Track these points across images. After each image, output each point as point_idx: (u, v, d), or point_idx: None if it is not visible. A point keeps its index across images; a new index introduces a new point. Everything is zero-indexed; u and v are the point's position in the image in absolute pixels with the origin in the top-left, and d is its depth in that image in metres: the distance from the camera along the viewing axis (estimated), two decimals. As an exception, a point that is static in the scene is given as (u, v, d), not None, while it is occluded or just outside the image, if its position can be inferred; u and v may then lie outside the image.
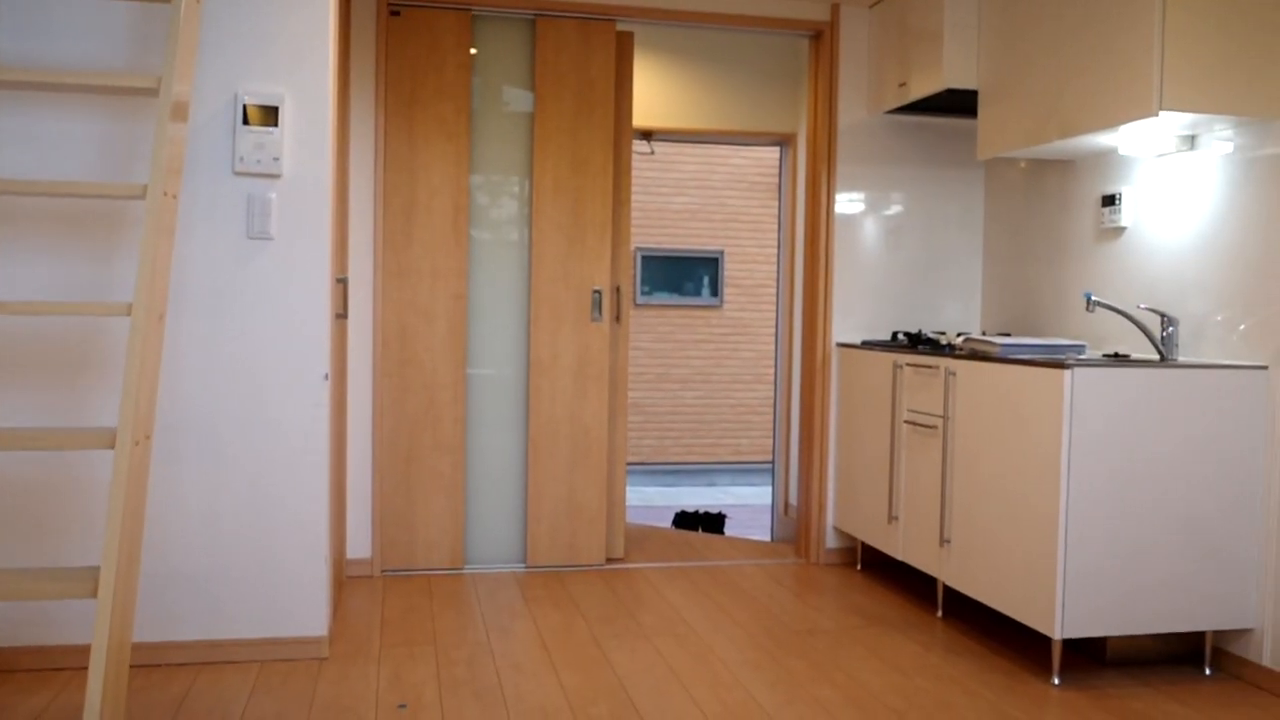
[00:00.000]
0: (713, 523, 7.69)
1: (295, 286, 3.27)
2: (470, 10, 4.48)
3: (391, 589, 4.25)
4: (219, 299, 3.23)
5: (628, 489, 10.43)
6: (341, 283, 3.98)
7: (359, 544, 4.45)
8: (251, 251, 3.24)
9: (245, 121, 3.21)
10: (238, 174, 3.22)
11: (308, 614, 3.33)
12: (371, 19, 4.40)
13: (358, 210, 4.41)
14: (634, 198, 11.86)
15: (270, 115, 3.22)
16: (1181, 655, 3.53)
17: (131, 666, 3.23)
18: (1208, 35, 3.22)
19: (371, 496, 4.44)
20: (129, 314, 2.61)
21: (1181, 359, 3.56)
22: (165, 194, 2.72)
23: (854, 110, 4.77)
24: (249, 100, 3.21)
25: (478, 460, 4.61)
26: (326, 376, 3.30)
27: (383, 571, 4.49)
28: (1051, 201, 4.34)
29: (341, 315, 4.02)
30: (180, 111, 2.85)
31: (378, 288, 4.42)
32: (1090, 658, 3.56)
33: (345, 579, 4.38)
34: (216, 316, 3.23)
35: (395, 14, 4.43)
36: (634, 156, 11.48)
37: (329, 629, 3.42)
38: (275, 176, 3.25)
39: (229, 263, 3.23)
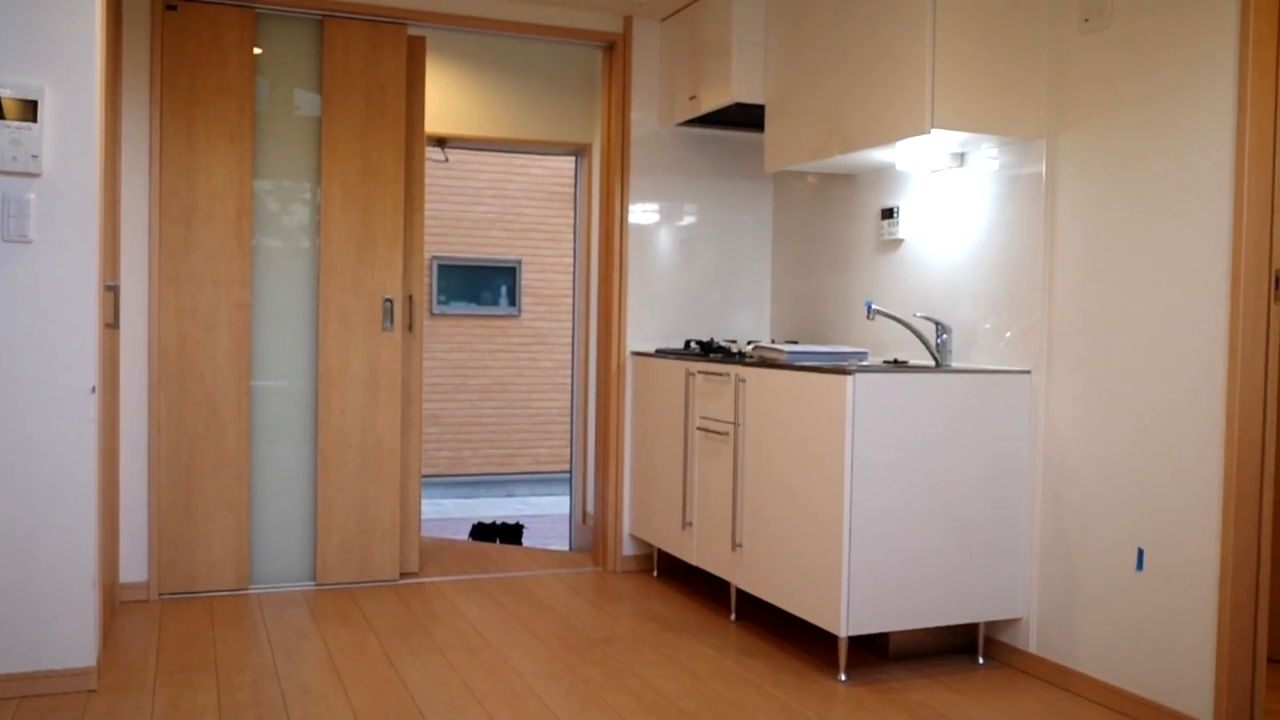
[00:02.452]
0: (510, 534, 7.63)
1: (58, 294, 3.05)
2: (253, 8, 4.31)
3: (170, 613, 4.02)
4: (-30, 307, 2.98)
5: (424, 502, 10.23)
6: (112, 290, 3.75)
7: (134, 567, 4.20)
8: (7, 256, 3.01)
9: (0, 116, 2.98)
10: (-9, 172, 2.99)
11: (74, 644, 3.11)
12: (145, 12, 4.17)
13: (132, 213, 4.17)
14: (430, 206, 11.69)
15: (29, 109, 3.00)
16: (958, 647, 3.71)
17: None
18: (975, 60, 3.42)
19: (148, 516, 4.20)
20: None
21: (955, 364, 3.75)
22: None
23: (647, 122, 4.83)
24: (4, 93, 2.98)
25: (264, 475, 4.42)
26: (94, 389, 3.10)
27: (160, 595, 4.24)
28: (835, 214, 4.51)
29: (112, 325, 3.78)
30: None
31: (154, 295, 4.19)
32: (874, 653, 3.71)
33: (118, 605, 4.12)
34: (-33, 326, 2.98)
35: (171, 9, 4.21)
36: (430, 164, 11.31)
37: (98, 659, 3.21)
38: (34, 175, 3.03)
39: (-19, 267, 2.99)
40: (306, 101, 4.46)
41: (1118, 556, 3.20)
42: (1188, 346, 2.99)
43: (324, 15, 4.41)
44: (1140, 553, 3.12)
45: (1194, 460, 2.97)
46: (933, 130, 3.37)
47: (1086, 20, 3.33)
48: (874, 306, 3.84)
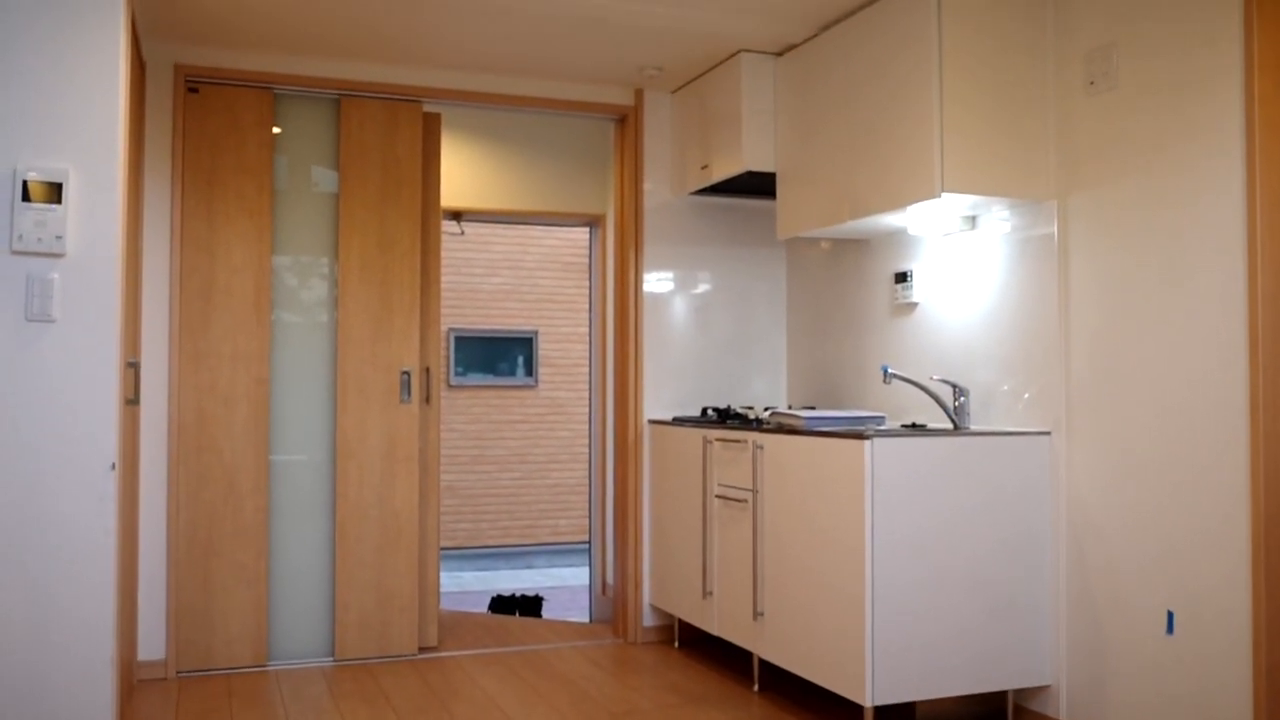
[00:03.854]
0: (530, 606, 7.57)
1: (80, 372, 3.08)
2: (272, 89, 4.40)
3: (187, 691, 3.99)
4: (-8, 386, 3.01)
5: (442, 575, 10.16)
6: (133, 367, 3.78)
7: (152, 645, 4.18)
8: (31, 335, 3.05)
9: (25, 198, 3.03)
10: (15, 253, 3.03)
11: (91, 724, 3.08)
12: (168, 95, 4.26)
13: (153, 290, 4.22)
14: (446, 278, 11.77)
15: (54, 191, 3.05)
16: (986, 715, 3.65)
17: (-116, 794, 2.91)
18: (982, 124, 3.45)
19: (166, 593, 4.19)
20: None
21: (973, 427, 3.73)
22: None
23: (660, 191, 4.88)
24: (31, 176, 3.03)
25: (282, 550, 4.42)
26: (114, 467, 3.11)
27: (178, 673, 4.22)
28: (849, 279, 4.53)
29: (133, 401, 3.81)
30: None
31: (173, 371, 4.22)
32: (900, 722, 3.64)
33: (136, 683, 4.09)
34: (-11, 405, 3.01)
35: (193, 91, 4.30)
36: (445, 237, 11.41)
37: (116, 739, 3.18)
38: (58, 255, 3.07)
39: (6, 347, 3.02)
40: (324, 178, 4.52)
41: (1147, 619, 3.16)
42: (1208, 403, 2.97)
43: (341, 94, 4.49)
44: (1170, 615, 3.08)
45: (1220, 519, 2.93)
46: (943, 194, 3.39)
47: (1092, 82, 3.37)
48: (890, 370, 3.84)
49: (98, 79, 3.11)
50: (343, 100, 4.50)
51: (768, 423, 3.97)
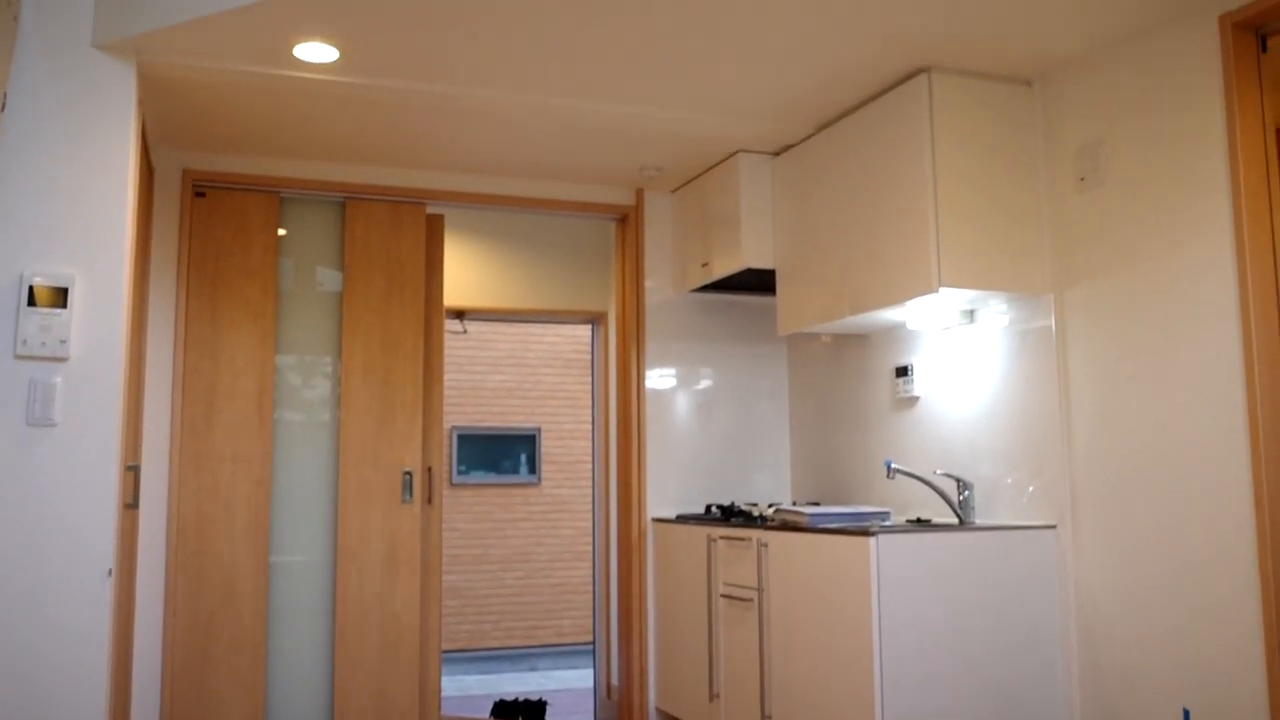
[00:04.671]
0: (533, 711, 7.42)
1: (79, 476, 3.07)
2: (278, 192, 4.46)
3: (182, 803, 3.90)
4: (-8, 491, 3.00)
5: (444, 679, 10.00)
6: (133, 470, 3.77)
7: (147, 754, 4.09)
8: (32, 439, 3.05)
9: (31, 303, 3.06)
10: (19, 357, 3.05)
11: (83, 838, 3.00)
12: (176, 199, 4.32)
13: (155, 393, 4.23)
14: (449, 376, 11.81)
15: (59, 296, 3.08)
16: (1000, 819, 3.55)
17: None
18: (977, 220, 3.49)
19: (160, 702, 4.11)
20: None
21: (979, 522, 3.70)
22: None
23: (661, 289, 4.92)
24: (37, 281, 3.07)
25: (280, 655, 4.35)
26: (110, 573, 3.08)
27: (173, 784, 4.12)
28: (850, 373, 4.54)
29: (131, 505, 3.79)
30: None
31: (174, 474, 4.21)
32: (913, 828, 3.54)
33: (130, 795, 3.99)
34: (-11, 510, 2.99)
35: (200, 195, 4.37)
36: (448, 335, 11.48)
37: None
38: (61, 360, 3.09)
39: (6, 452, 3.02)
40: (328, 278, 4.57)
41: (1163, 718, 3.09)
42: (1213, 492, 2.96)
43: (346, 197, 4.56)
44: (1186, 714, 3.01)
45: (1232, 611, 2.89)
46: (941, 289, 3.42)
47: (1082, 179, 3.42)
48: (893, 465, 3.82)
49: (107, 185, 3.16)
50: (348, 203, 4.57)
51: (772, 520, 3.94)
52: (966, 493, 3.72)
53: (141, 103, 3.54)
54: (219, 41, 3.23)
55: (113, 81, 3.20)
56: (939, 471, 3.84)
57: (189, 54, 3.32)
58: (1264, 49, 2.97)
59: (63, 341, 3.07)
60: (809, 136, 4.19)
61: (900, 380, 4.17)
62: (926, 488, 4.00)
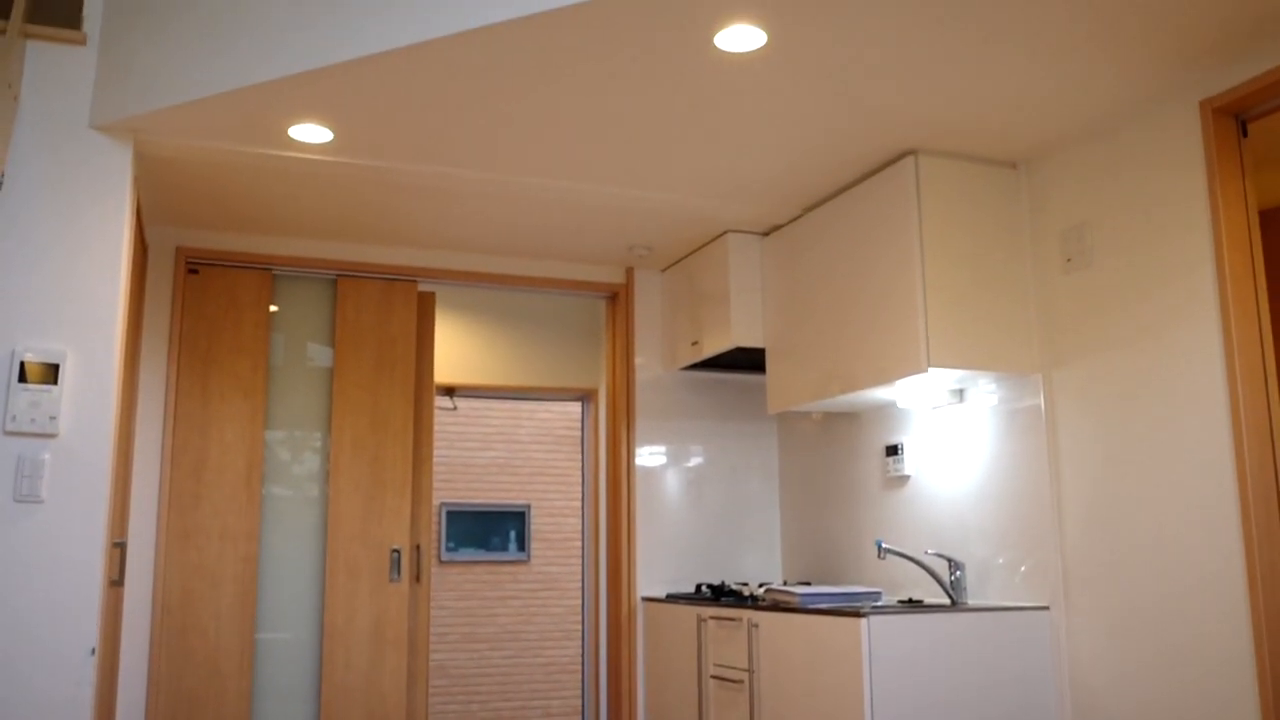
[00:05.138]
0: (522, 793, 7.27)
1: (65, 553, 3.05)
2: (271, 270, 4.49)
3: None
4: (-24, 569, 2.97)
5: (432, 760, 9.79)
6: (119, 546, 3.74)
7: (124, 840, 4.00)
8: (19, 515, 3.02)
9: (22, 379, 3.06)
10: (8, 433, 3.04)
11: None
12: (169, 276, 4.34)
13: (143, 469, 4.21)
14: (439, 453, 11.77)
15: (50, 373, 3.09)
16: None
17: None
18: (964, 299, 3.53)
19: (141, 784, 4.03)
20: None
21: (971, 602, 3.68)
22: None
23: (651, 366, 4.94)
24: (28, 357, 3.07)
25: (264, 737, 4.27)
26: (93, 651, 3.04)
27: None
28: (841, 452, 4.54)
29: (117, 582, 3.75)
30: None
31: (160, 551, 4.17)
32: None
33: None
34: (-29, 588, 2.96)
35: (194, 272, 4.39)
36: (438, 412, 11.46)
37: None
38: (51, 436, 3.08)
39: (-10, 529, 3.00)
40: (319, 354, 4.58)
41: (1157, 804, 3.04)
42: (1205, 571, 2.95)
43: (338, 274, 4.59)
44: (1180, 799, 2.97)
45: (1226, 692, 2.87)
46: (930, 369, 3.44)
47: (1069, 260, 3.46)
48: (884, 545, 3.81)
49: (101, 262, 3.19)
50: (340, 280, 4.60)
51: (763, 600, 3.91)
52: (958, 573, 3.70)
53: (137, 181, 3.58)
54: (217, 122, 3.28)
55: (109, 161, 3.24)
56: (930, 551, 3.82)
57: (186, 134, 3.36)
58: (1244, 133, 3.03)
59: (52, 418, 3.07)
60: (797, 217, 4.24)
61: (891, 459, 4.17)
62: (918, 568, 3.98)
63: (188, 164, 3.63)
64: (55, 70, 3.21)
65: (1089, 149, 3.43)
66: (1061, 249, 3.50)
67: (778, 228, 4.38)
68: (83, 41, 3.24)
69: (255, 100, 3.12)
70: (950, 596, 3.70)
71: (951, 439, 3.89)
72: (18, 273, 3.11)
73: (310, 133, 3.38)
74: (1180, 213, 3.09)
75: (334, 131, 3.37)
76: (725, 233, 4.45)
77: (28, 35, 3.18)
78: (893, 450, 4.16)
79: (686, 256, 4.78)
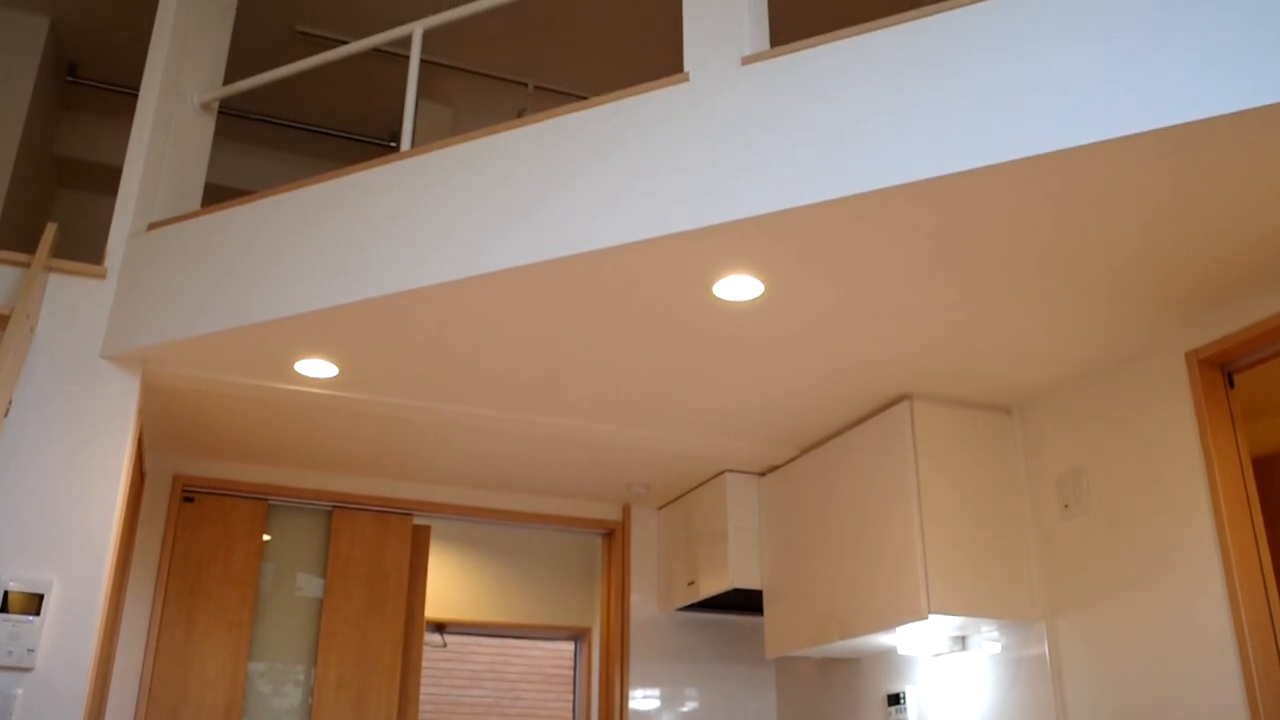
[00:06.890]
0: None
1: (28, 796, 2.90)
2: (266, 500, 4.48)
3: None
4: (-67, 812, 2.82)
5: None
6: (85, 790, 3.56)
7: None
8: (-17, 755, 2.90)
9: (4, 609, 2.99)
10: (-17, 667, 2.95)
11: None
12: (164, 503, 4.32)
13: (119, 704, 4.06)
14: (425, 689, 11.38)
15: (34, 602, 3.02)
16: None
17: None
18: (963, 544, 3.50)
19: None
20: None
21: None
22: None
23: (646, 605, 4.84)
24: (13, 586, 3.01)
25: None
26: None
27: None
28: (841, 700, 4.39)
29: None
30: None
31: (128, 795, 3.97)
32: None
33: None
34: (-75, 833, 2.80)
35: (189, 500, 4.38)
36: (426, 648, 11.16)
37: None
38: (26, 670, 2.98)
39: (-47, 768, 2.86)
40: (309, 584, 4.50)
41: None
42: (1226, 846, 2.80)
43: (334, 506, 4.57)
44: None
45: None
46: (931, 615, 3.37)
47: (1066, 506, 3.46)
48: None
49: (99, 491, 3.18)
50: (335, 511, 4.57)
51: None
52: (965, 834, 3.52)
53: (142, 411, 3.62)
54: (226, 355, 3.34)
55: (117, 390, 3.28)
56: (935, 809, 3.65)
57: (195, 365, 3.42)
58: (1231, 385, 3.08)
59: (30, 650, 2.98)
60: (795, 458, 4.26)
61: (893, 709, 4.03)
62: (923, 827, 3.78)
63: (192, 394, 3.67)
64: (73, 301, 3.30)
65: (1082, 395, 3.49)
66: (1059, 494, 3.50)
67: (775, 468, 4.39)
68: (103, 276, 3.35)
69: (266, 335, 3.19)
70: None
71: (956, 688, 3.77)
72: (14, 498, 3.10)
73: (316, 368, 3.44)
74: (1175, 459, 3.11)
75: (339, 367, 3.43)
76: (723, 472, 4.46)
77: (51, 269, 3.29)
78: (895, 699, 4.03)
79: (684, 495, 4.78)
